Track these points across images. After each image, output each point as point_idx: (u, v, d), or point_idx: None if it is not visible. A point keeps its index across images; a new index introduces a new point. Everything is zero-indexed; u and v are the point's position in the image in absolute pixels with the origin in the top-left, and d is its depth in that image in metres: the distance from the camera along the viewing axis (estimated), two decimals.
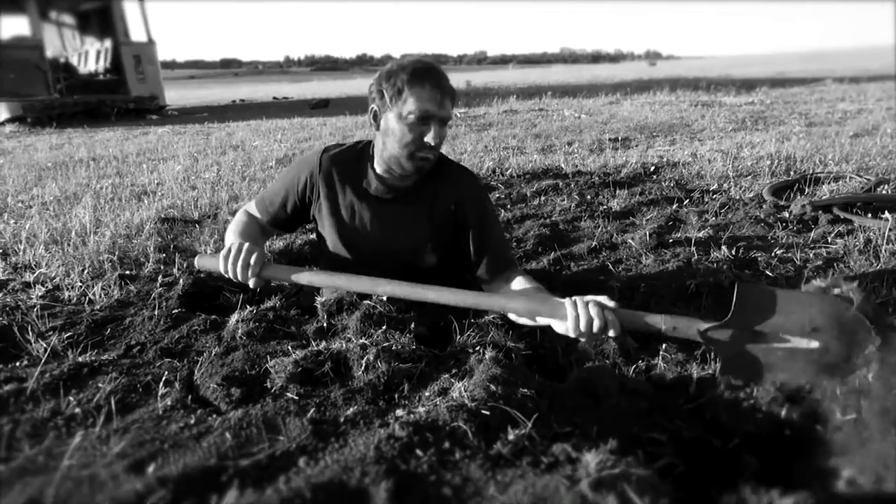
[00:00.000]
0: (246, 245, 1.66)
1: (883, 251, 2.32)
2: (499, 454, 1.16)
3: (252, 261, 1.63)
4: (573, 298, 1.43)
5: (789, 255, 2.37)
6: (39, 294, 2.19)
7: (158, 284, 2.22)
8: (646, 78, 20.65)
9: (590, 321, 1.36)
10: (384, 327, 1.60)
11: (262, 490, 1.06)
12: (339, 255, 1.87)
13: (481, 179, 2.05)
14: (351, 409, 1.33)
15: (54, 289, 2.28)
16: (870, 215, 2.78)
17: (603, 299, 1.41)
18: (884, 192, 3.27)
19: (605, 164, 4.51)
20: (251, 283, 1.67)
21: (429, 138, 1.63)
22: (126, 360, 1.64)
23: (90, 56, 15.87)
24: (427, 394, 1.39)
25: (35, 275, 2.34)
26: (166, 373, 1.51)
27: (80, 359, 1.63)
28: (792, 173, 3.89)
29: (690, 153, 4.89)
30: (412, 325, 1.62)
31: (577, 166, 4.49)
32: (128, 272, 2.41)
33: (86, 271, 2.42)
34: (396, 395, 1.41)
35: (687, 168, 4.27)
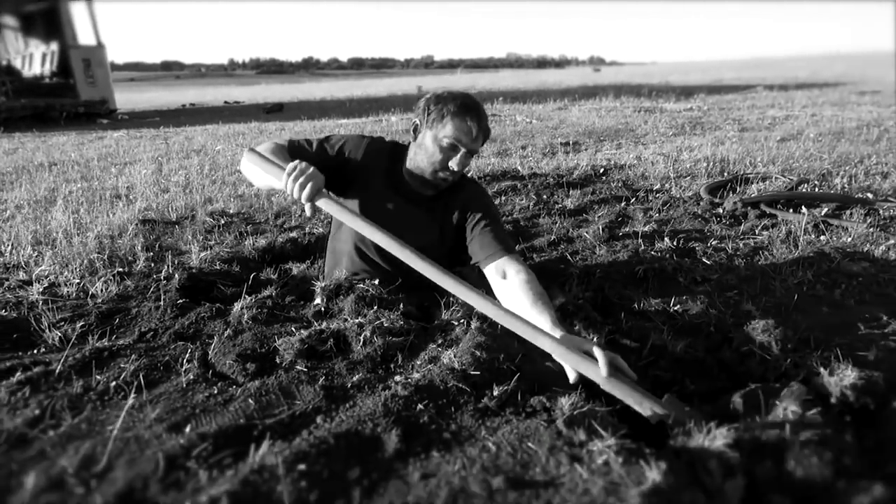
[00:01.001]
0: (312, 169, 1.72)
1: (801, 241, 2.63)
2: (486, 406, 1.38)
3: (310, 186, 1.70)
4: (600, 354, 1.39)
5: (723, 245, 2.65)
6: (40, 290, 2.29)
7: (155, 279, 2.36)
8: (591, 84, 21.21)
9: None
10: (375, 308, 1.79)
11: (290, 440, 1.25)
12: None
13: (488, 190, 2.24)
14: (355, 377, 1.53)
15: (51, 285, 2.39)
16: (791, 210, 3.10)
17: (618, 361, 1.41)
18: (804, 190, 3.63)
19: (557, 167, 4.78)
20: (307, 209, 1.74)
21: (453, 163, 1.82)
22: (142, 345, 1.78)
23: (35, 59, 15.46)
24: (419, 362, 1.59)
25: (36, 272, 2.44)
26: (187, 352, 1.67)
27: (98, 344, 1.77)
28: (725, 174, 4.23)
29: (635, 156, 5.21)
30: (401, 305, 1.82)
31: (532, 169, 4.74)
32: (120, 269, 2.53)
33: (78, 269, 2.53)
34: (392, 365, 1.60)
35: (632, 170, 4.58)
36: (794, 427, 1.19)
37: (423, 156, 1.86)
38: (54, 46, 14.80)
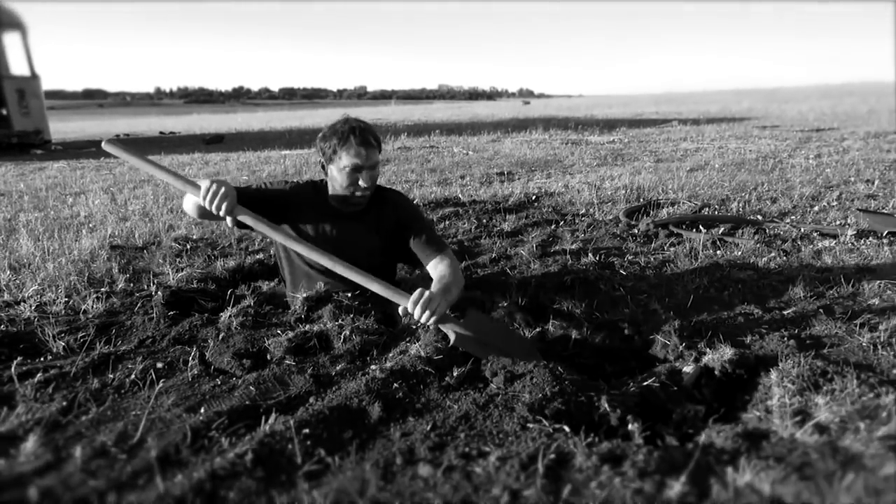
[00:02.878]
0: (224, 187, 1.97)
1: (700, 255, 3.06)
2: (448, 384, 1.69)
3: (226, 201, 1.96)
4: (414, 296, 1.86)
5: (637, 259, 3.06)
6: (31, 308, 2.46)
7: (140, 296, 2.56)
8: (521, 117, 21.84)
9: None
10: (352, 314, 2.08)
11: (292, 414, 1.52)
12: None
13: (410, 197, 2.45)
14: (338, 367, 1.80)
15: (40, 304, 2.54)
16: (694, 230, 3.56)
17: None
18: (705, 213, 4.12)
19: (494, 194, 5.16)
20: (228, 222, 2.01)
21: (362, 182, 2.14)
22: (143, 349, 2.00)
23: None
24: (391, 354, 1.88)
25: (27, 293, 2.60)
26: (189, 354, 1.90)
27: (104, 350, 1.98)
28: (641, 200, 4.69)
29: (563, 185, 5.66)
30: (373, 312, 2.12)
31: (471, 196, 5.10)
32: (104, 289, 2.71)
33: (63, 290, 2.69)
34: (369, 358, 1.88)
35: (561, 197, 5.00)
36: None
37: (337, 185, 2.19)
38: None
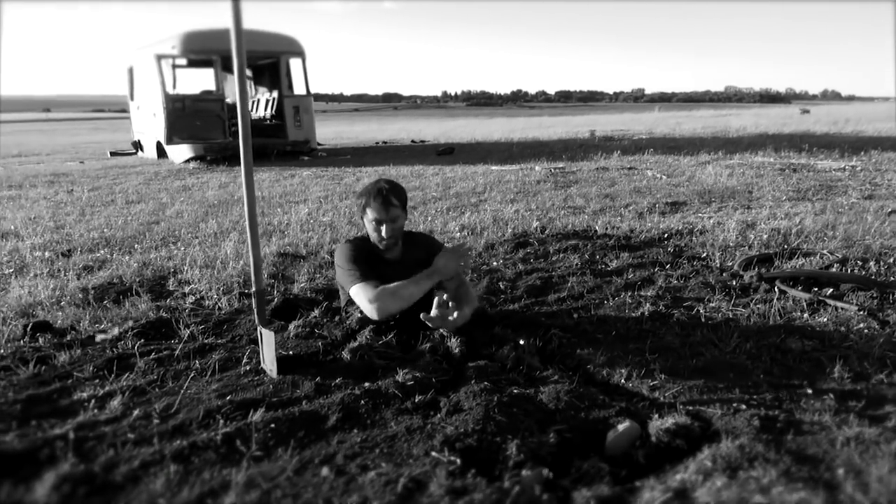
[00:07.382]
0: None
1: (774, 317, 2.82)
2: (406, 407, 1.98)
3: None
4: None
5: (704, 313, 2.88)
6: (192, 301, 3.27)
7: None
8: (772, 132, 19.22)
9: None
10: (383, 335, 2.47)
11: (276, 410, 1.95)
12: None
13: (435, 238, 2.69)
14: (338, 380, 2.19)
15: (200, 298, 3.35)
16: (800, 288, 3.22)
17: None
18: (833, 270, 3.63)
19: (631, 229, 5.08)
20: None
21: (383, 233, 2.57)
22: (230, 344, 2.60)
23: (260, 104, 18.05)
24: (388, 377, 2.21)
25: (189, 288, 3.45)
26: (253, 352, 2.46)
27: (206, 341, 2.63)
28: (785, 246, 4.25)
29: (718, 222, 5.28)
30: (405, 338, 2.48)
31: (609, 229, 5.10)
32: (245, 291, 3.45)
33: (220, 288, 3.48)
34: (370, 376, 2.24)
35: (700, 237, 4.70)
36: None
37: (368, 235, 2.64)
38: (275, 94, 17.15)
